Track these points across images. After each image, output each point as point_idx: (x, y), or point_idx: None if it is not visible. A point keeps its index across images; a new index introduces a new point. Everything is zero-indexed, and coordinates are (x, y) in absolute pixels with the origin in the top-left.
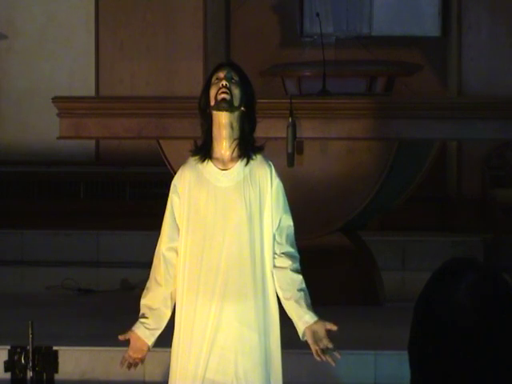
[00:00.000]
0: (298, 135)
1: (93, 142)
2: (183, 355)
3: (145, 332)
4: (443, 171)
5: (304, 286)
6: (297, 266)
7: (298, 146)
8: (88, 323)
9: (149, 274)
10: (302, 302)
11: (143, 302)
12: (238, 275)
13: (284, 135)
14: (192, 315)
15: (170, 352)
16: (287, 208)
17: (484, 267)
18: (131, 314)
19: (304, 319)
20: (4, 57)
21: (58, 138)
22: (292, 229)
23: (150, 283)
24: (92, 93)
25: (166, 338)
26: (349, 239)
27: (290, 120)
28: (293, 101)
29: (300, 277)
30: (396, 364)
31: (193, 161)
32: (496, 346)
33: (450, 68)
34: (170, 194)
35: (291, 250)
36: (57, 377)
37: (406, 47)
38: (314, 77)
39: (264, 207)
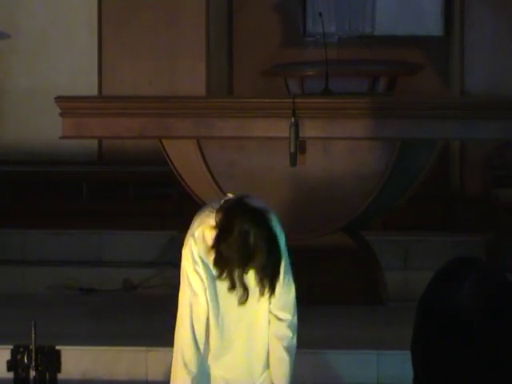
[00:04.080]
0: (300, 135)
1: (95, 142)
2: None
3: None
4: (446, 171)
5: (283, 354)
6: (283, 333)
7: (300, 146)
8: (90, 323)
9: (151, 273)
10: (276, 368)
11: None
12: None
13: (286, 135)
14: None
15: (173, 354)
16: (289, 277)
17: (487, 267)
18: (133, 313)
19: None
20: (6, 56)
21: (60, 138)
22: (288, 295)
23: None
24: (94, 92)
25: (167, 337)
26: (351, 239)
27: (293, 119)
28: (295, 100)
29: (280, 347)
30: (399, 364)
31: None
32: (498, 346)
33: (452, 67)
34: (188, 266)
35: (283, 313)
36: (59, 376)
37: (408, 47)
38: (317, 76)
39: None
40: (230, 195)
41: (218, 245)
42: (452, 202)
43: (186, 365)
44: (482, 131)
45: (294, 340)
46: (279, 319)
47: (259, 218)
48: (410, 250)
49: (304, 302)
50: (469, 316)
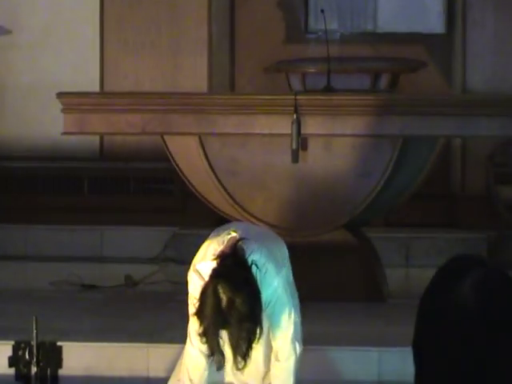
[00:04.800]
0: (302, 131)
1: (97, 138)
2: None
3: None
4: (447, 168)
5: None
6: (276, 373)
7: (302, 143)
8: (92, 319)
9: (152, 270)
10: None
11: None
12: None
13: (288, 131)
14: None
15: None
16: (290, 318)
17: (489, 264)
18: (135, 309)
19: None
20: (8, 52)
21: (62, 134)
22: (286, 337)
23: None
24: (96, 88)
25: (168, 334)
26: (353, 236)
27: (295, 116)
28: (297, 97)
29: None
30: (400, 361)
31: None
32: (500, 343)
33: (454, 65)
34: (191, 289)
35: (279, 354)
36: (61, 372)
37: (410, 44)
38: (319, 73)
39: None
40: (233, 234)
41: (199, 316)
42: (453, 200)
43: (191, 380)
44: (484, 128)
45: (290, 381)
46: (276, 358)
47: (237, 288)
48: (411, 248)
49: (305, 299)
50: (470, 313)
